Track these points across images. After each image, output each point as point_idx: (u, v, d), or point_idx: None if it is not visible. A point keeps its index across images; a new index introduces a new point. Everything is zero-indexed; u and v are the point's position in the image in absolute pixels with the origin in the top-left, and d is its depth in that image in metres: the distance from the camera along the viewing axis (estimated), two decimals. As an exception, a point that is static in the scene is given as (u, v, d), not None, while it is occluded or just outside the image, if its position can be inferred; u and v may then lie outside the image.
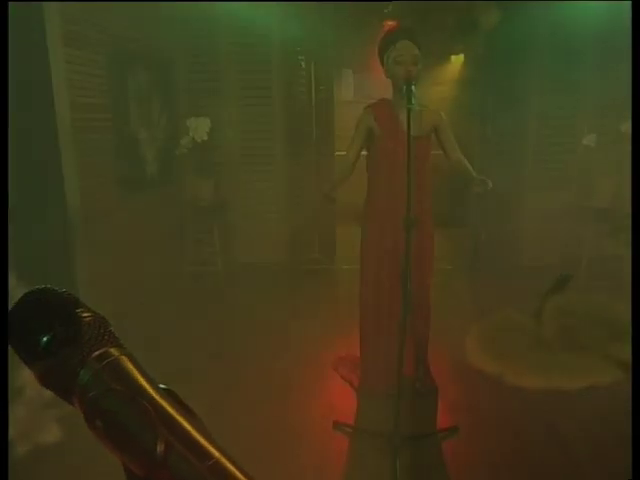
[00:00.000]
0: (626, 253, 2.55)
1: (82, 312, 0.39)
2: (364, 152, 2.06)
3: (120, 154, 3.18)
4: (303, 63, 4.19)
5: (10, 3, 1.65)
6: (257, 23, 3.84)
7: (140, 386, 0.37)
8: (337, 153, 4.15)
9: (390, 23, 5.19)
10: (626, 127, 3.47)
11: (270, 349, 2.79)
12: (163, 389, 0.39)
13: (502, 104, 4.14)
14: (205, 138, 3.84)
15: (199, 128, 3.82)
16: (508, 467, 1.70)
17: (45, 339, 0.37)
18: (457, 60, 7.32)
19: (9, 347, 0.39)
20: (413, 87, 1.75)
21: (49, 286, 0.40)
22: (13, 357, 0.40)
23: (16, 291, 1.34)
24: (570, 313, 2.71)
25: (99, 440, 0.36)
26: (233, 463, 0.36)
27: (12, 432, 1.23)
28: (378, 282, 2.06)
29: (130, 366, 0.38)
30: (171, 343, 2.91)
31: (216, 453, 0.36)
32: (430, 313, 2.16)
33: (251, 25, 3.85)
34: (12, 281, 1.40)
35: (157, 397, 0.37)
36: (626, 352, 1.62)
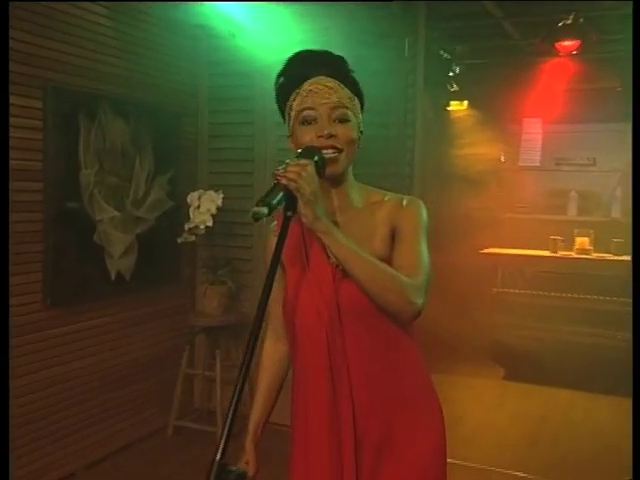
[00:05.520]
0: None
1: None
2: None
3: (53, 245, 2.93)
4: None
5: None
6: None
7: None
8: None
9: (567, 44, 4.30)
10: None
11: None
12: None
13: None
14: (209, 224, 3.42)
15: (203, 207, 3.43)
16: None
17: None
18: None
19: None
20: (317, 158, 1.29)
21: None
22: None
23: None
24: None
25: None
26: None
27: None
28: None
29: None
30: None
31: None
32: None
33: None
34: None
35: None
36: None
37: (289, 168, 1.24)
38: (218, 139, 3.87)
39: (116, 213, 3.28)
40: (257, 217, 1.21)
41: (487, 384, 4.76)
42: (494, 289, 5.63)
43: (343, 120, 1.35)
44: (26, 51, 2.80)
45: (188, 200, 3.48)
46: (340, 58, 1.41)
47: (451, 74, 5.81)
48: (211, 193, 3.46)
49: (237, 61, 3.68)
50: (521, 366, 4.98)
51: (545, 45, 4.31)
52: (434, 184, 4.79)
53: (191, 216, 3.45)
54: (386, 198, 1.43)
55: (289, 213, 1.25)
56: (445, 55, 5.71)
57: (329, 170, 1.32)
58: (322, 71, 1.37)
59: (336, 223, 1.38)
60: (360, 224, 1.40)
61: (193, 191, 3.54)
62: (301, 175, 1.22)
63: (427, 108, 5.45)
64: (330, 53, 1.42)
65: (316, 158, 1.29)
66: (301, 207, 1.23)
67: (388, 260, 1.36)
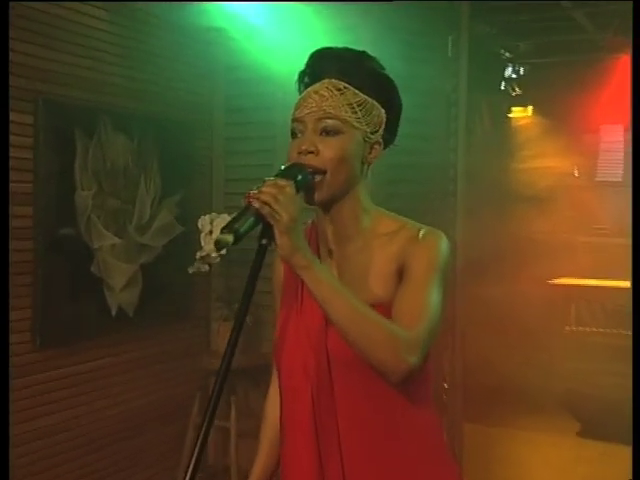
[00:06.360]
0: None
1: None
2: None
3: (44, 277, 2.96)
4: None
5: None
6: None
7: None
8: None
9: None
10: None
11: None
12: None
13: None
14: (223, 251, 3.39)
15: (216, 232, 3.40)
16: None
17: None
18: None
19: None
20: (300, 178, 1.27)
21: None
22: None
23: None
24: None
25: None
26: None
27: None
28: None
29: None
30: None
31: None
32: None
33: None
34: None
35: None
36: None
37: (263, 189, 1.21)
38: (235, 155, 3.88)
39: (117, 240, 3.30)
40: (221, 246, 1.22)
41: (558, 441, 4.60)
42: (567, 327, 5.46)
43: (331, 133, 1.31)
44: (14, 60, 2.81)
45: (199, 225, 3.46)
46: (356, 55, 1.40)
47: (513, 76, 5.72)
48: (225, 217, 3.42)
49: (255, 66, 3.67)
50: (601, 420, 4.77)
51: (619, 38, 4.17)
52: (489, 203, 4.70)
53: (202, 243, 3.43)
54: (403, 228, 1.38)
55: (264, 241, 1.23)
56: (505, 54, 5.63)
57: (310, 196, 1.29)
58: (333, 72, 1.36)
59: (330, 256, 1.37)
60: (362, 259, 1.37)
61: (206, 214, 3.53)
62: (277, 198, 1.19)
63: (483, 115, 5.38)
64: (346, 50, 1.41)
65: (299, 177, 1.26)
66: (277, 236, 1.21)
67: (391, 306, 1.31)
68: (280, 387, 1.42)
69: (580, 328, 5.47)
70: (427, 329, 1.27)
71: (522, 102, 5.95)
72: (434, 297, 1.30)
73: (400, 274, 1.33)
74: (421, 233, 1.35)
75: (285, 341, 1.40)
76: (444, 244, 1.35)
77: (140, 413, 3.51)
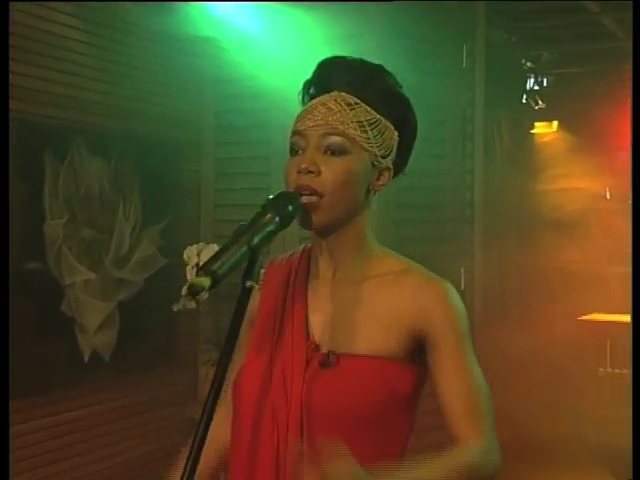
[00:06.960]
0: None
1: None
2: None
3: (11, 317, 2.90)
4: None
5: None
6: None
7: None
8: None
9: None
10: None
11: None
12: None
13: None
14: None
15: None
16: None
17: None
18: None
19: None
20: (291, 209, 1.26)
21: None
22: None
23: None
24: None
25: None
26: None
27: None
28: None
29: None
30: None
31: None
32: None
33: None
34: None
35: None
36: None
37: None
38: (225, 178, 3.91)
39: (92, 275, 3.32)
40: (194, 291, 1.16)
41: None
42: (601, 369, 5.39)
43: (336, 152, 1.30)
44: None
45: (184, 256, 3.47)
46: (371, 68, 1.41)
47: (536, 88, 5.74)
48: (214, 247, 3.41)
49: (248, 79, 3.72)
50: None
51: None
52: (510, 230, 4.70)
53: (188, 277, 3.43)
54: (408, 272, 1.37)
55: (248, 283, 1.19)
56: (527, 64, 5.66)
57: (305, 219, 1.27)
58: (343, 84, 1.35)
59: (321, 293, 1.36)
60: (360, 295, 1.35)
61: (192, 244, 3.52)
62: None
63: (503, 132, 5.37)
64: (361, 62, 1.41)
65: (290, 208, 1.24)
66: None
67: (398, 360, 1.31)
68: (239, 434, 1.36)
69: (616, 370, 5.40)
70: (490, 419, 1.32)
71: (546, 117, 5.99)
72: (477, 371, 1.34)
73: (412, 334, 1.33)
74: (429, 289, 1.35)
75: (254, 382, 1.35)
76: (457, 296, 1.37)
77: (119, 471, 3.49)
